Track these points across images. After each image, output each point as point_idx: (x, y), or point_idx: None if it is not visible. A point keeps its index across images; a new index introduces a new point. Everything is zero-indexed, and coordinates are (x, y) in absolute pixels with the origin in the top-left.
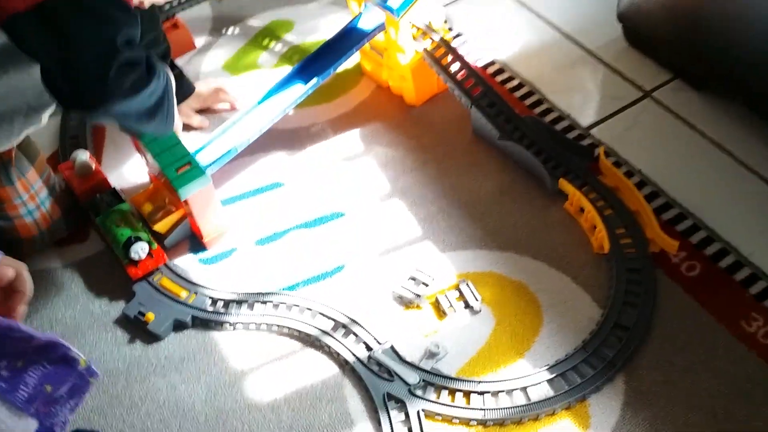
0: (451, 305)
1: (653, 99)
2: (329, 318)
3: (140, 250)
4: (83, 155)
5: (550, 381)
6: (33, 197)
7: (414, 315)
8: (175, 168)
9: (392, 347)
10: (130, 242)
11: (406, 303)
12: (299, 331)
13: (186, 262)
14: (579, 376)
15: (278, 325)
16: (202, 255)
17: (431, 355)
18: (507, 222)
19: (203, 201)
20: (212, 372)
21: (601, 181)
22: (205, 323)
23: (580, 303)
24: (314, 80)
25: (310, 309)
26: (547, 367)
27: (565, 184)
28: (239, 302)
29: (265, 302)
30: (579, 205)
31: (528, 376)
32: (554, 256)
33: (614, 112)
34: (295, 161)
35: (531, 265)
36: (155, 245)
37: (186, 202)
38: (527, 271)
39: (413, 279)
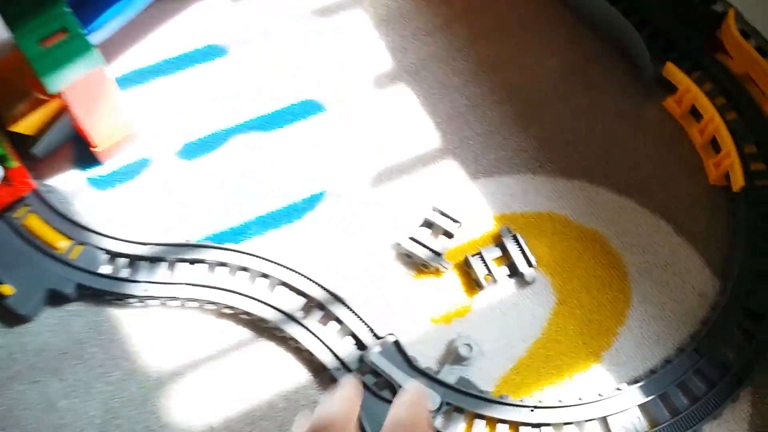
0: (488, 272)
1: None
2: (297, 292)
3: None
4: None
5: (643, 407)
6: None
7: (430, 286)
8: (38, 38)
9: (397, 343)
10: None
11: (418, 266)
12: (248, 313)
13: (68, 186)
14: (686, 395)
15: (215, 302)
16: (92, 173)
17: (458, 358)
18: (575, 128)
19: (91, 93)
20: (111, 378)
21: (726, 65)
22: (99, 295)
23: (688, 269)
24: None
25: (266, 276)
26: (637, 383)
27: (673, 71)
28: (153, 260)
29: (193, 261)
30: (691, 103)
31: (607, 399)
32: (648, 188)
33: None
34: (242, 15)
35: (612, 203)
36: (13, 162)
37: (62, 94)
38: (606, 213)
39: (429, 224)
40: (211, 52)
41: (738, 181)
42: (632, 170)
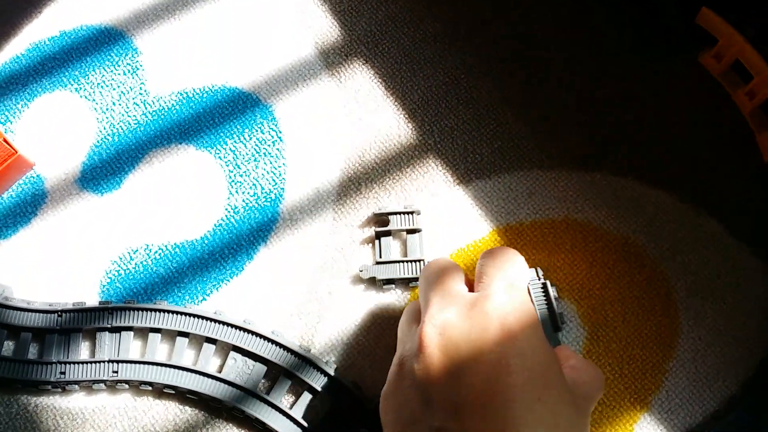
0: None
1: None
2: (255, 357)
3: None
4: None
5: None
6: None
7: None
8: None
9: None
10: None
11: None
12: (196, 392)
13: None
14: None
15: (150, 382)
16: None
17: None
18: (587, 103)
19: None
20: None
21: None
22: (4, 383)
23: (747, 279)
24: None
25: (212, 341)
26: None
27: (710, 17)
28: (65, 331)
29: (116, 329)
30: (734, 58)
31: None
32: (687, 176)
33: None
34: None
35: (644, 200)
36: None
37: None
38: (639, 214)
39: (384, 234)
40: (107, 39)
41: None
42: (665, 153)
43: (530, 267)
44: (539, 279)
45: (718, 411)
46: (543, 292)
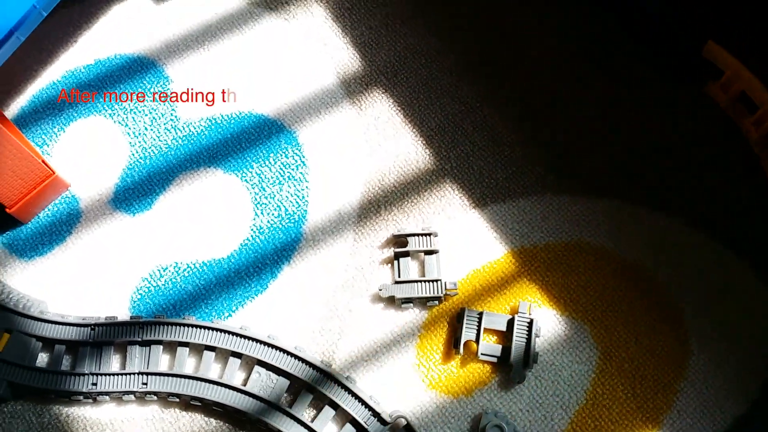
0: (475, 340)
1: None
2: (279, 371)
3: None
4: None
5: None
6: None
7: (440, 344)
8: None
9: (409, 428)
10: None
11: (421, 310)
12: (221, 405)
13: None
14: None
15: (178, 393)
16: (12, 238)
17: None
18: (599, 131)
19: None
20: None
21: None
22: (38, 393)
23: (754, 300)
24: None
25: (238, 355)
26: None
27: (716, 50)
28: (97, 344)
29: (146, 343)
30: (740, 90)
31: None
32: (696, 201)
33: None
34: (168, 19)
35: (655, 225)
36: None
37: None
38: (650, 239)
39: (403, 255)
40: (140, 67)
41: None
42: (674, 179)
43: (537, 292)
44: (528, 315)
45: (729, 431)
46: (527, 328)
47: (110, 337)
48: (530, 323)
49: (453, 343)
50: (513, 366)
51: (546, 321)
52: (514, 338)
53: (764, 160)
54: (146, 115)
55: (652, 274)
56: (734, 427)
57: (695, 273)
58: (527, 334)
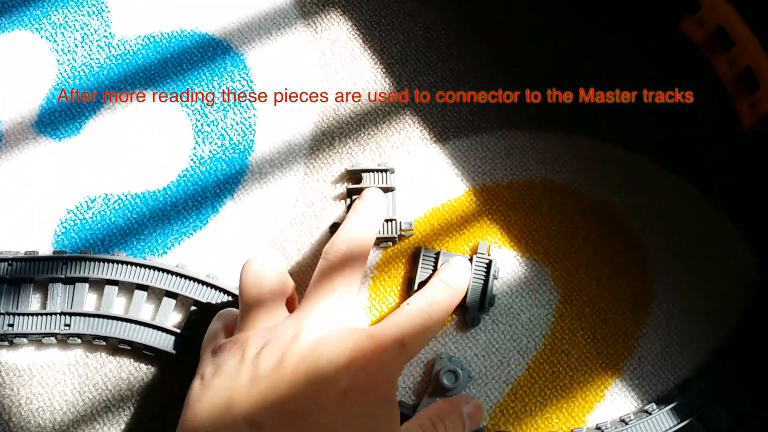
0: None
1: None
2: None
3: None
4: None
5: None
6: None
7: (391, 282)
8: None
9: None
10: None
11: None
12: (153, 348)
13: None
14: (731, 413)
15: (106, 336)
16: None
17: (440, 388)
18: (569, 65)
19: None
20: None
21: None
22: None
23: (724, 247)
24: None
25: (173, 295)
26: (669, 402)
27: None
28: (14, 281)
29: (70, 280)
30: (716, 24)
31: (634, 425)
32: (666, 141)
33: None
34: None
35: (623, 164)
36: None
37: None
38: (617, 178)
39: (357, 191)
40: None
41: None
42: (645, 118)
43: (498, 232)
44: (487, 255)
45: (690, 379)
46: (485, 269)
47: (30, 273)
48: (488, 264)
49: (407, 284)
50: (468, 308)
51: (506, 262)
52: (471, 280)
53: (738, 103)
54: (77, 30)
55: (619, 215)
56: (694, 375)
57: (666, 216)
58: (485, 276)
